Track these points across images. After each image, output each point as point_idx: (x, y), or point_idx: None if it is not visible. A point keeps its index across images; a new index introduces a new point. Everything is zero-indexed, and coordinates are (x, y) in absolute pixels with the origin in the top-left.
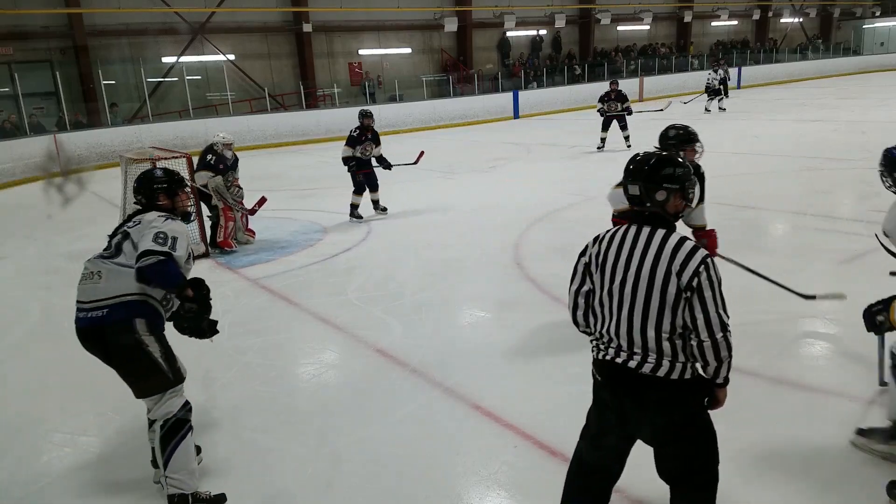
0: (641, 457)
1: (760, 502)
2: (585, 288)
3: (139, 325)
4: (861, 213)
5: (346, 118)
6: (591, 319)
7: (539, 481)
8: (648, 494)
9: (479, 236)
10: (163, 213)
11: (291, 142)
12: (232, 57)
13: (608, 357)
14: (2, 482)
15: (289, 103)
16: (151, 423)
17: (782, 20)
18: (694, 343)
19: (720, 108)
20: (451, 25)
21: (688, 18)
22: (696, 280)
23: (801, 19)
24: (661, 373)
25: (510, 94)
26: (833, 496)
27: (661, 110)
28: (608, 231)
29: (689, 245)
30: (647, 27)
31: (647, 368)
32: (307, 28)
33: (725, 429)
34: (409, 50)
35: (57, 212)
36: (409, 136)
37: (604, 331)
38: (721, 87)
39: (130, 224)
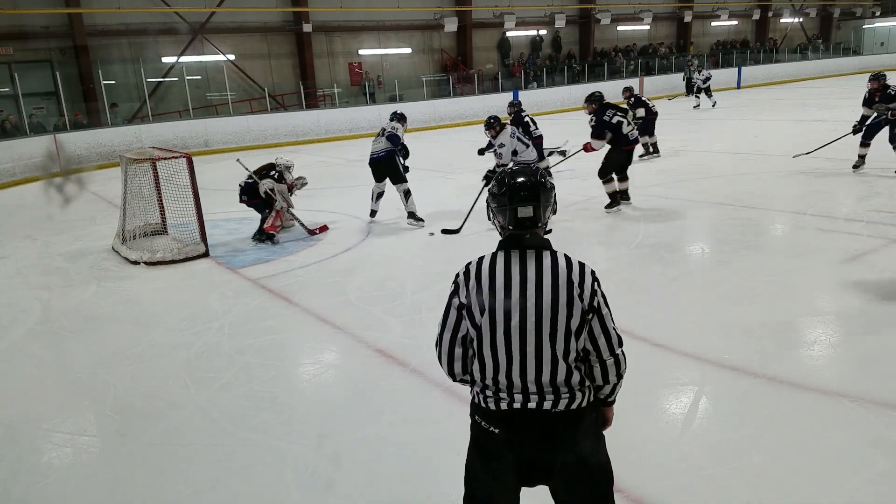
0: (641, 457)
1: (761, 502)
2: (461, 334)
3: (396, 157)
4: (861, 213)
5: (345, 118)
6: (476, 366)
7: None
8: (648, 494)
9: (479, 236)
10: (395, 123)
11: (291, 142)
12: (232, 57)
13: (516, 405)
14: (2, 482)
15: (289, 103)
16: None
17: (782, 20)
18: (597, 365)
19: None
20: (451, 25)
21: (688, 18)
22: (595, 299)
23: (801, 19)
24: (575, 405)
25: (510, 95)
26: (833, 496)
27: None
28: (478, 263)
29: (575, 262)
30: (647, 27)
31: (562, 405)
32: (307, 28)
33: (725, 429)
34: (408, 50)
35: (57, 212)
36: (409, 135)
37: (500, 377)
38: (704, 84)
39: (385, 127)
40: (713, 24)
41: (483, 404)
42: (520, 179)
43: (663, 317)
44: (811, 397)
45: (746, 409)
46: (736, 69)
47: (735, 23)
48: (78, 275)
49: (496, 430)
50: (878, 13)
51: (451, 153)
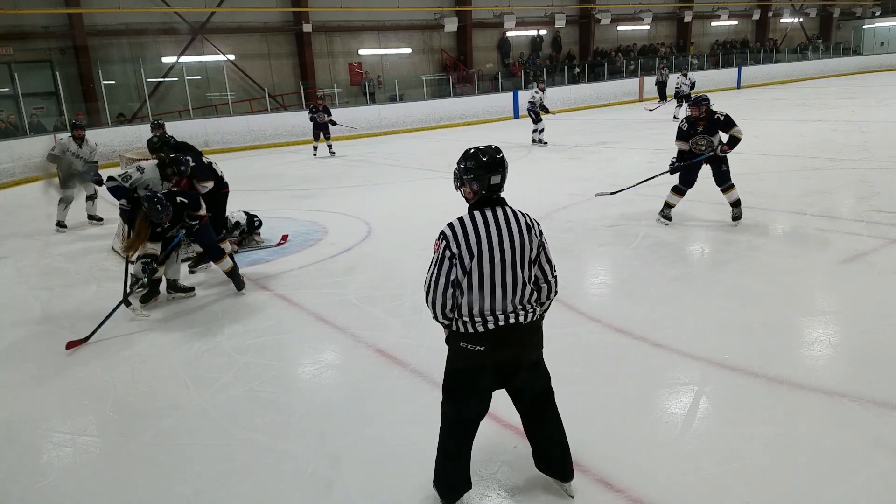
0: (642, 457)
1: (761, 502)
2: (452, 278)
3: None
4: (861, 213)
5: (346, 118)
6: (465, 301)
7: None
8: (648, 494)
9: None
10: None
11: (291, 142)
12: (232, 57)
13: (501, 323)
14: (2, 482)
15: (289, 103)
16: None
17: (782, 20)
18: (544, 286)
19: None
20: (451, 25)
21: (688, 18)
22: (542, 237)
23: (801, 19)
24: (535, 318)
25: (510, 94)
26: (833, 496)
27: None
28: (461, 222)
29: (522, 212)
30: (647, 27)
31: (529, 318)
32: (307, 28)
33: (725, 429)
34: (408, 50)
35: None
36: (409, 135)
37: (485, 303)
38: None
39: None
40: (713, 24)
41: (472, 330)
42: (489, 156)
43: (663, 317)
44: (811, 397)
45: (746, 409)
46: (736, 69)
47: (735, 23)
48: (78, 275)
49: (482, 348)
50: (878, 13)
51: (452, 153)
